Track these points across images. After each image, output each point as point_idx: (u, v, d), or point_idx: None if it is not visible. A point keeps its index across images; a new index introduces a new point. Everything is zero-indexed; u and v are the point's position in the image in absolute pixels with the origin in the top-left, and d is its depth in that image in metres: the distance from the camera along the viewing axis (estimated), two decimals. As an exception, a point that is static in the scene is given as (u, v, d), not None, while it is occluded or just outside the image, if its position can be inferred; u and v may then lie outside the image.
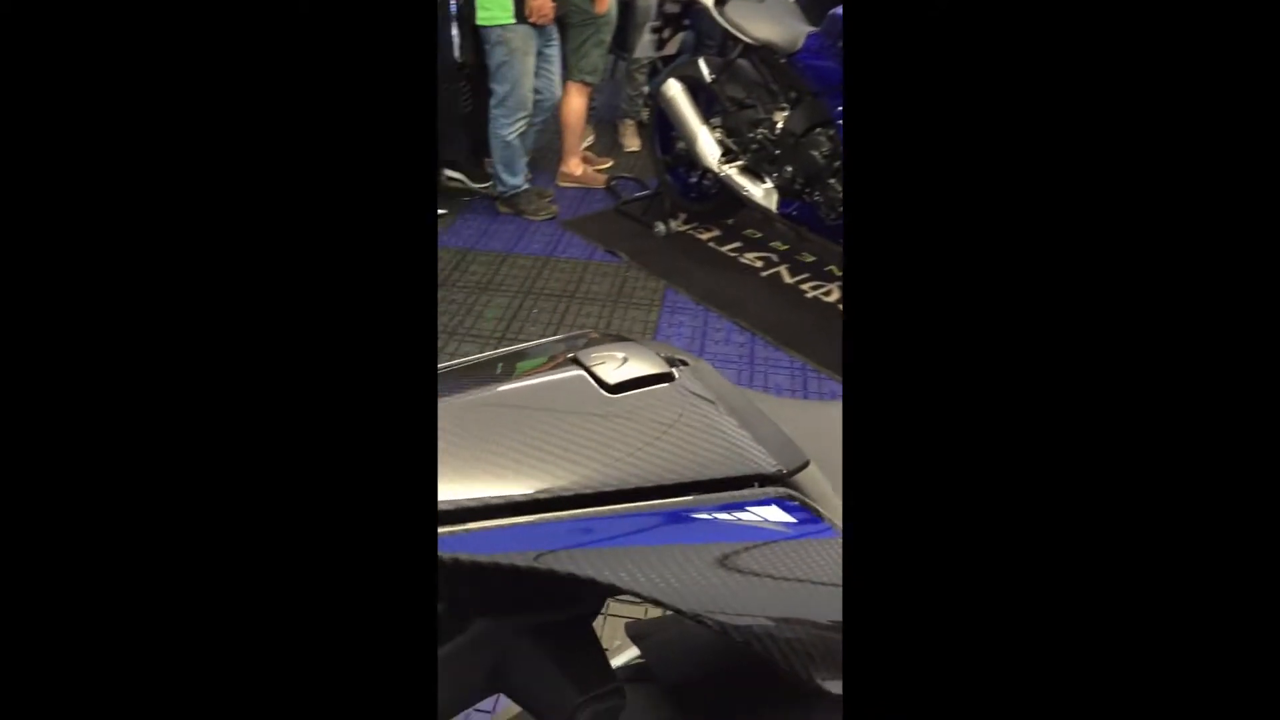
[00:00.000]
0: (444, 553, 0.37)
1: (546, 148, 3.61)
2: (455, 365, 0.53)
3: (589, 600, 0.55)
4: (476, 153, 3.48)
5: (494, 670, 0.52)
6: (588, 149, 3.82)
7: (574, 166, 3.54)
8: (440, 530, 0.37)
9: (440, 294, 2.69)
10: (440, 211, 3.22)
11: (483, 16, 2.82)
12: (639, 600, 0.40)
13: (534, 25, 2.84)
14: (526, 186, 3.26)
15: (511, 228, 3.19)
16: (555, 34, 3.07)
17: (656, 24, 3.60)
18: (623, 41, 3.58)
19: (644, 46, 3.65)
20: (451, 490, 0.39)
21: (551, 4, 2.82)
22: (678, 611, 0.39)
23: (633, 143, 4.02)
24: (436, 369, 0.40)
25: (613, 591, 0.41)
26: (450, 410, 0.44)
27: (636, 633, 0.72)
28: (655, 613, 1.51)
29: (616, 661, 0.73)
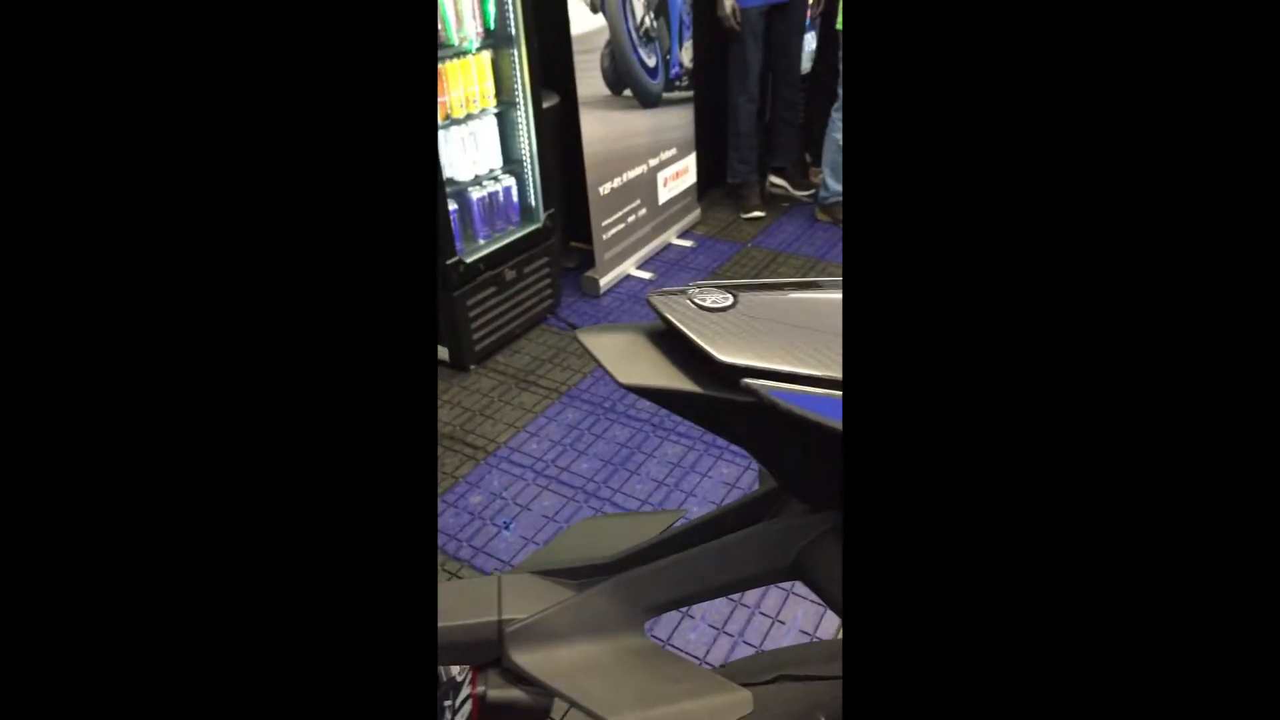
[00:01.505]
0: (772, 398, 0.45)
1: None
2: (742, 282, 0.58)
3: None
4: (804, 162, 3.53)
5: (798, 558, 0.58)
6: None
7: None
8: (769, 383, 0.46)
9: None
10: (759, 214, 3.31)
11: (842, 23, 2.87)
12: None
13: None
14: (849, 197, 3.24)
15: (826, 235, 3.18)
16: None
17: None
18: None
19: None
20: (779, 360, 0.47)
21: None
22: None
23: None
24: (436, 365, 0.43)
25: None
26: (783, 302, 0.54)
27: None
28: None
29: None
